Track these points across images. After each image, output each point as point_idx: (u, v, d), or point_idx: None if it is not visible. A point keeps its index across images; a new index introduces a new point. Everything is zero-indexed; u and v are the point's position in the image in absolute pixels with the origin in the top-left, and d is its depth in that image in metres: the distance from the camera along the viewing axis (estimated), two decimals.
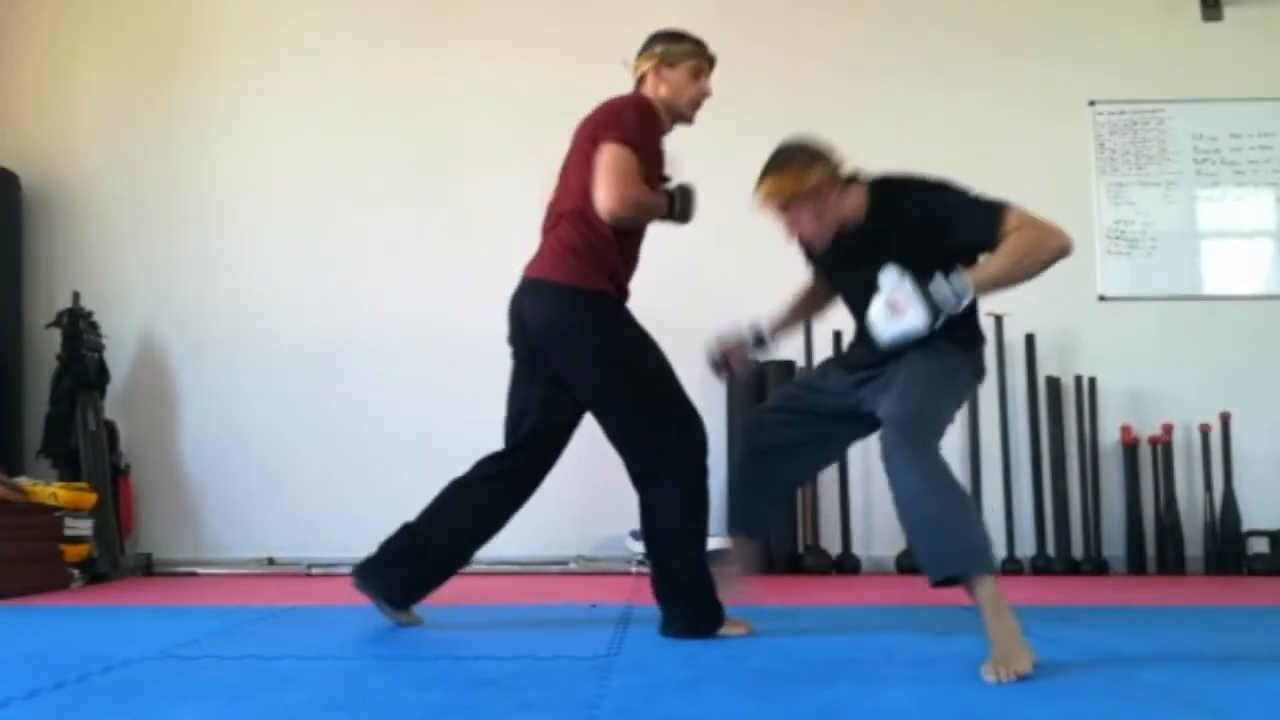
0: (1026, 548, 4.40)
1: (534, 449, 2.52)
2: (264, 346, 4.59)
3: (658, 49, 2.54)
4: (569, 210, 2.42)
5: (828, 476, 4.40)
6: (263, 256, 4.66)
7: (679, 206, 2.45)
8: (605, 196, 2.30)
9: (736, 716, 1.58)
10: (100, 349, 4.39)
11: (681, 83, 2.52)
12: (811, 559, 4.27)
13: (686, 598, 2.38)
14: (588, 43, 4.58)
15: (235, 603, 3.25)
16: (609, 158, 2.31)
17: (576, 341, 2.38)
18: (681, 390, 2.44)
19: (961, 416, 4.48)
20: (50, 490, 3.78)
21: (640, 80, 2.57)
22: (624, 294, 2.50)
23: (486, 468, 2.54)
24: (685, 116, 2.57)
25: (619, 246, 2.42)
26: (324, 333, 4.58)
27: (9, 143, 4.69)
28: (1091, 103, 4.70)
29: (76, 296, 4.41)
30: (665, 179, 2.48)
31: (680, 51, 2.53)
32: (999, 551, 4.37)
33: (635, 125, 2.37)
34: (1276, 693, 1.80)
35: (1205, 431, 4.42)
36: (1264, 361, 4.54)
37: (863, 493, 4.44)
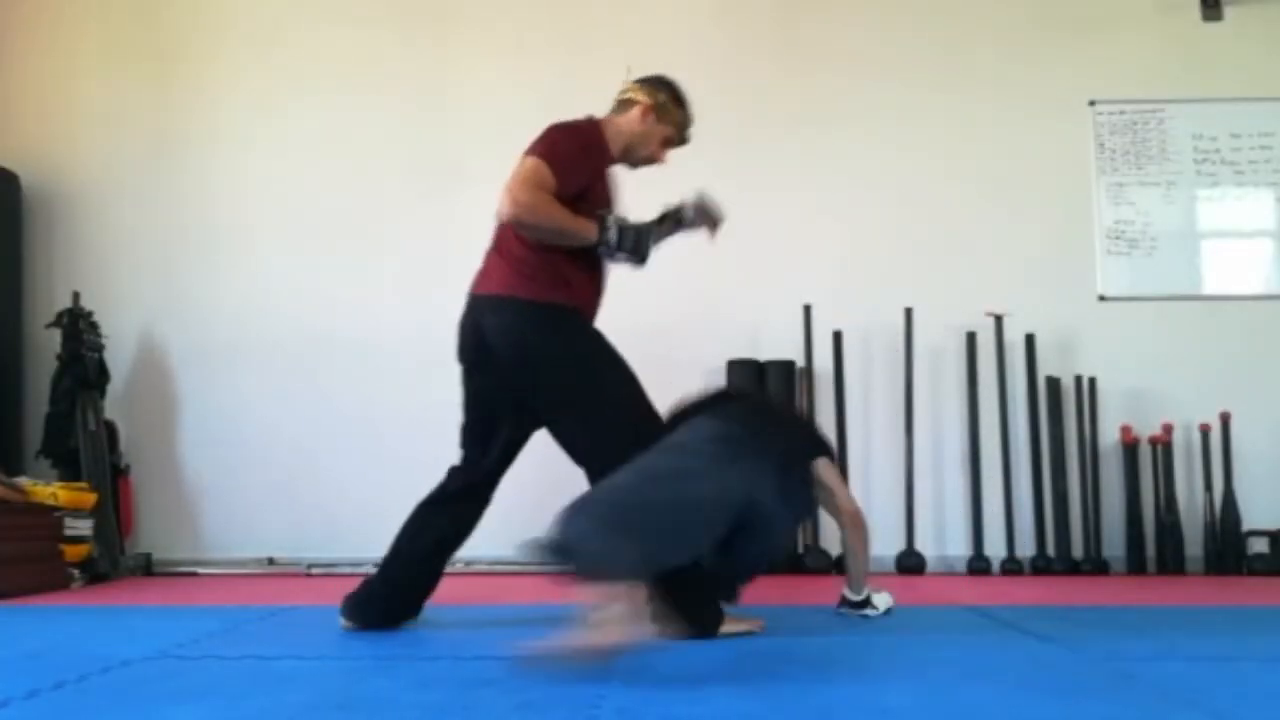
0: (1026, 548, 4.40)
1: (496, 463, 2.55)
2: (264, 347, 4.59)
3: (661, 97, 2.60)
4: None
5: None
6: (263, 257, 4.66)
7: (621, 240, 2.40)
8: (504, 198, 2.32)
9: (736, 716, 1.58)
10: (100, 349, 4.39)
11: (655, 138, 2.60)
12: (811, 559, 4.27)
13: (682, 598, 2.37)
14: (589, 49, 4.57)
15: (235, 603, 3.25)
16: (516, 167, 2.35)
17: (540, 356, 2.39)
18: (647, 401, 2.44)
19: (961, 416, 4.51)
20: (50, 490, 3.78)
21: (627, 103, 2.60)
22: (587, 309, 2.50)
23: (453, 483, 2.56)
24: (633, 163, 2.62)
25: (572, 262, 2.43)
26: (324, 333, 4.58)
27: (9, 143, 4.69)
28: (1091, 103, 4.70)
29: (76, 296, 4.41)
30: (607, 208, 2.46)
31: (674, 117, 2.61)
32: (1000, 551, 4.38)
33: (554, 142, 2.40)
34: (1276, 693, 1.80)
35: (1205, 431, 4.42)
36: (1264, 361, 4.54)
37: (862, 493, 4.42)
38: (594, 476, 2.34)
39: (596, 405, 2.39)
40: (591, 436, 2.39)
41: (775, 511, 2.34)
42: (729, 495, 2.20)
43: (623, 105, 2.61)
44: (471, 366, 2.52)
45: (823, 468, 2.66)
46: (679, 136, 2.64)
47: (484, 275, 2.50)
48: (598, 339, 2.48)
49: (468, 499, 2.56)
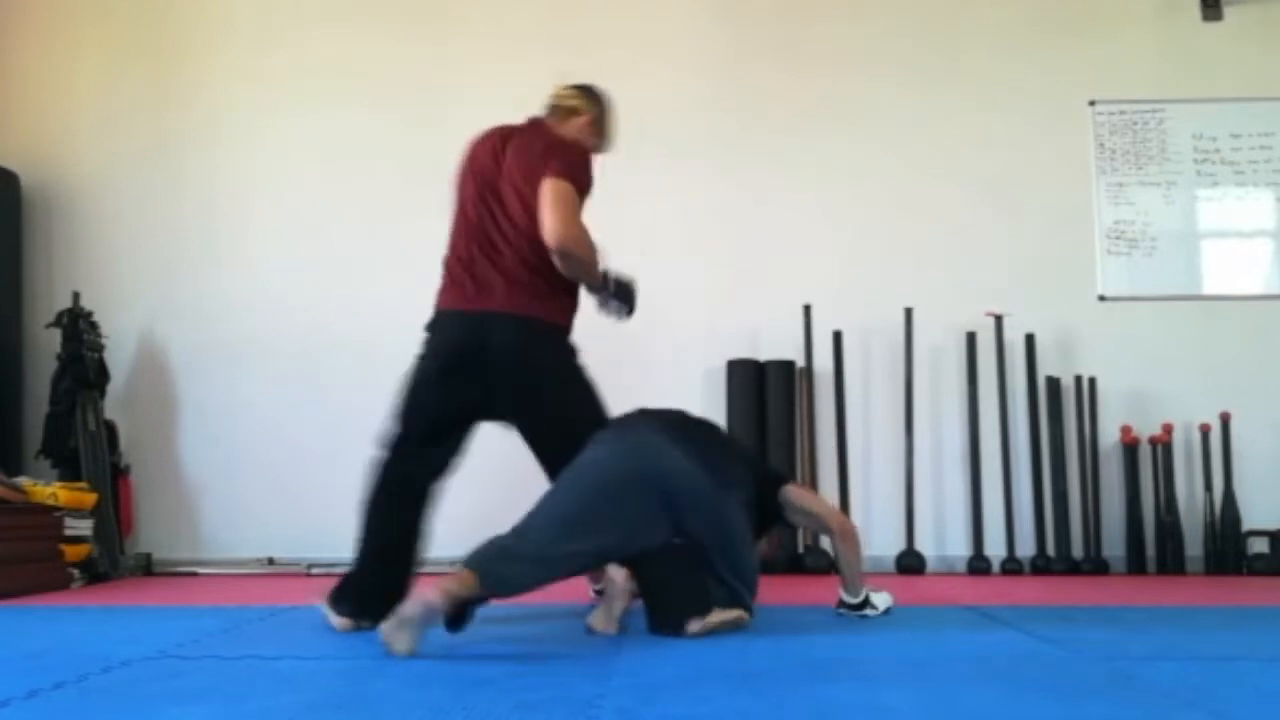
0: (1026, 548, 4.40)
1: (450, 455, 2.60)
2: (264, 346, 4.59)
3: (598, 110, 2.70)
4: (540, 240, 2.41)
5: (827, 477, 4.40)
6: (264, 256, 4.65)
7: (617, 292, 2.59)
8: (560, 225, 2.34)
9: (736, 716, 1.58)
10: (100, 349, 4.39)
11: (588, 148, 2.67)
12: (811, 559, 4.26)
13: (666, 587, 2.39)
14: (589, 51, 4.56)
15: (235, 603, 3.25)
16: (563, 191, 2.36)
17: (549, 374, 2.51)
18: (605, 413, 2.57)
19: (961, 416, 4.51)
20: (50, 490, 3.78)
21: (571, 110, 2.66)
22: (572, 326, 2.62)
23: (414, 476, 2.61)
24: None
25: (561, 282, 2.51)
26: (324, 333, 4.57)
27: (9, 143, 4.69)
28: (1091, 103, 4.70)
29: (76, 296, 4.41)
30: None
31: (606, 131, 2.72)
32: (1000, 551, 4.38)
33: (574, 165, 2.45)
34: (1276, 693, 1.80)
35: (1205, 431, 4.42)
36: (1264, 361, 4.53)
37: (862, 493, 4.44)
38: (552, 475, 2.47)
39: (577, 418, 2.51)
40: (565, 444, 2.46)
41: (702, 487, 2.36)
42: (631, 468, 2.33)
43: (567, 112, 2.67)
44: (452, 370, 2.53)
45: (792, 493, 2.70)
46: (603, 149, 2.73)
47: (484, 291, 2.48)
48: (578, 355, 2.59)
49: (428, 495, 2.62)
